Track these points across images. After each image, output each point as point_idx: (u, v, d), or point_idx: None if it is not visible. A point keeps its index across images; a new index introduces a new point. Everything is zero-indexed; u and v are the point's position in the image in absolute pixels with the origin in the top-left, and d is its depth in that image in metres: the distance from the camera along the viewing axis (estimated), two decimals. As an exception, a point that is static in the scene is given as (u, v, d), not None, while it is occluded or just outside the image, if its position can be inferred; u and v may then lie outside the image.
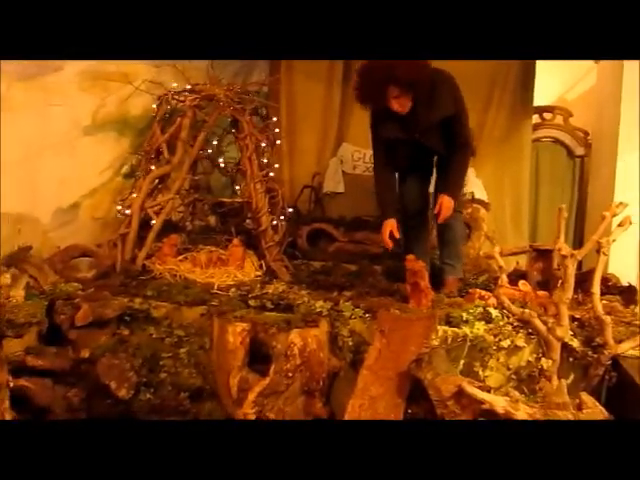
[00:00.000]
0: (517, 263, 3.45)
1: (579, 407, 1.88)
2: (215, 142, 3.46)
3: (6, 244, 2.78)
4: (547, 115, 4.38)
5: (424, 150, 2.91)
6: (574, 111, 4.35)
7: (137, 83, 3.36)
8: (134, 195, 3.16)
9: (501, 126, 4.07)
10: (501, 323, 2.38)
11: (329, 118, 4.21)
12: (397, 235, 2.83)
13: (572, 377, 2.32)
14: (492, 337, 2.33)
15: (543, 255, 3.05)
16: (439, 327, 2.32)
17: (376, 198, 3.02)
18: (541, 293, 2.73)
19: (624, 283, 3.10)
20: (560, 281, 2.29)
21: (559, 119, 4.35)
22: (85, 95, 3.41)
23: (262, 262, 3.19)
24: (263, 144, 3.28)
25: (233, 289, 2.77)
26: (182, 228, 3.46)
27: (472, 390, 1.90)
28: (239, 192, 3.52)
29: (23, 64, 3.01)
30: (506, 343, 2.32)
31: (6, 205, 2.99)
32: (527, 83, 4.07)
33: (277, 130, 3.51)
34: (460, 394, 1.93)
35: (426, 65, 2.69)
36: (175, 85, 3.33)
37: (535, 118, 4.27)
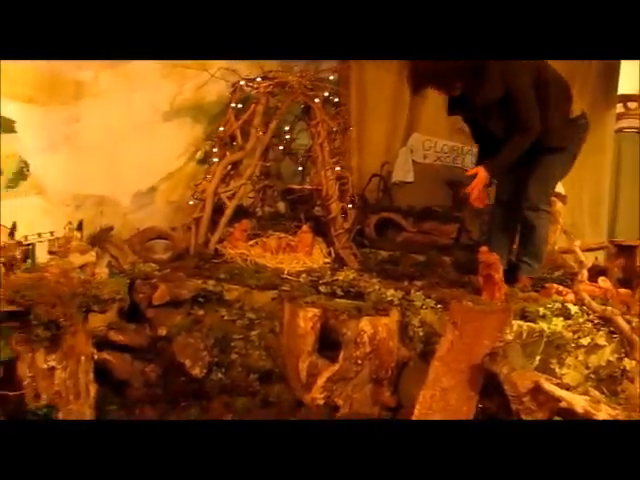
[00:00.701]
0: (596, 259, 3.32)
1: (665, 411, 1.79)
2: (287, 129, 3.49)
3: (90, 225, 2.90)
4: (631, 104, 4.18)
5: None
6: (661, 100, 4.13)
7: (213, 70, 3.41)
8: (208, 180, 3.24)
9: (582, 115, 3.90)
10: (581, 320, 2.29)
11: (399, 108, 4.12)
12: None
13: (657, 380, 2.21)
14: (571, 334, 2.26)
15: (625, 251, 2.94)
16: (514, 321, 2.26)
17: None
18: (623, 291, 2.62)
19: None
20: (645, 278, 2.19)
21: (645, 109, 4.15)
22: (165, 82, 3.52)
23: (330, 249, 3.20)
24: (334, 129, 3.27)
25: (303, 275, 2.79)
26: (252, 214, 3.52)
27: (550, 387, 1.85)
28: (309, 179, 3.54)
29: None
30: (586, 341, 2.24)
31: (90, 187, 3.14)
32: (611, 70, 3.86)
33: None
34: (537, 390, 1.87)
35: None
36: (249, 72, 3.37)
37: (619, 107, 4.08)
